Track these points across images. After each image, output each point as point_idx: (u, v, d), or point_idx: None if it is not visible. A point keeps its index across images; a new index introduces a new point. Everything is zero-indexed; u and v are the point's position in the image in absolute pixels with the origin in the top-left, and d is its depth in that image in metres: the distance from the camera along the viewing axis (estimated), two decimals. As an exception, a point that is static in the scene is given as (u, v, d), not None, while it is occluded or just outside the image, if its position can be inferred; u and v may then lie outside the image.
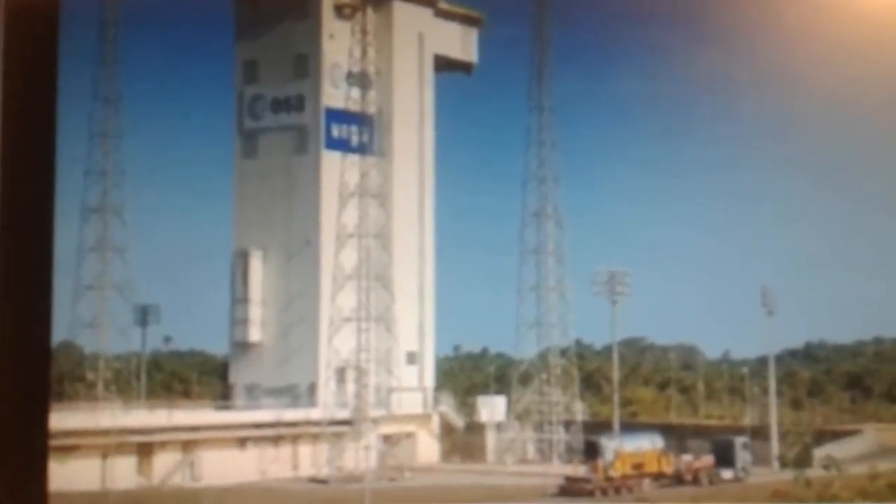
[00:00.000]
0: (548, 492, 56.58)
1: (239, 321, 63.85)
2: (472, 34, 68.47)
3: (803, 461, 61.90)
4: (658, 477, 59.70)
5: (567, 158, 64.90)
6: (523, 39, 63.94)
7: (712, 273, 64.98)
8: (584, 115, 66.24)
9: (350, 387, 61.92)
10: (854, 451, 62.35)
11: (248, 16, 64.75)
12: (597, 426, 64.18)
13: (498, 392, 66.84)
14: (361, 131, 63.30)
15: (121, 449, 56.38)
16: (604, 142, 65.42)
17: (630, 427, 64.23)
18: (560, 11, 63.56)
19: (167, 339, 64.26)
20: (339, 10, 63.97)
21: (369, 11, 63.71)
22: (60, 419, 49.99)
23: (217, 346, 66.50)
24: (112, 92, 60.50)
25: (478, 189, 66.30)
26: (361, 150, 63.09)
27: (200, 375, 67.01)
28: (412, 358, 65.10)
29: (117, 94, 60.63)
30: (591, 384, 67.90)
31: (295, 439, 60.85)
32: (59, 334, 52.64)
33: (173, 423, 58.49)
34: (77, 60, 54.58)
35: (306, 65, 64.19)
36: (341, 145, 63.40)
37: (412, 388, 64.63)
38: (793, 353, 70.42)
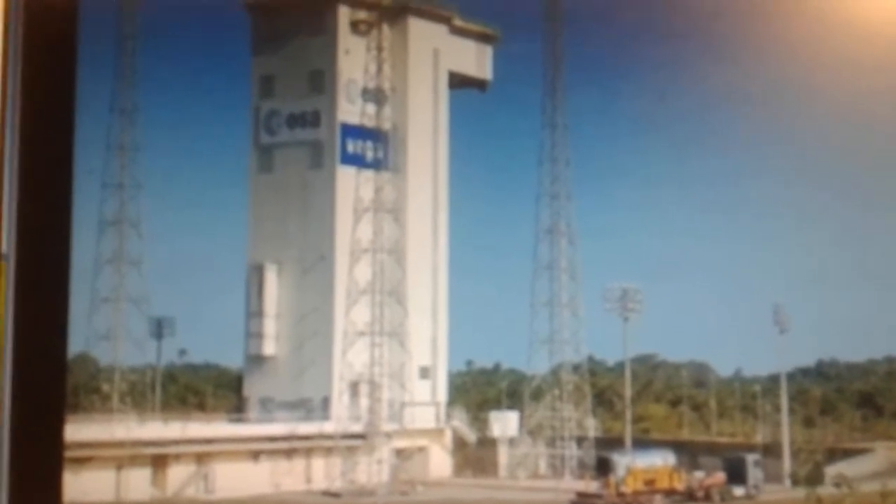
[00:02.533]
0: (559, 507, 56.81)
1: (254, 335, 64.07)
2: (487, 51, 68.66)
3: (815, 479, 61.92)
4: (669, 493, 59.74)
5: (580, 175, 65.15)
6: (537, 56, 64.28)
7: (725, 290, 65.01)
8: (598, 131, 66.42)
9: (363, 401, 62.12)
10: (865, 469, 62.33)
11: (264, 31, 65.11)
12: (609, 442, 64.26)
13: (510, 407, 66.89)
14: (376, 147, 63.62)
15: (135, 461, 56.63)
16: (617, 159, 65.57)
17: (642, 443, 64.25)
18: (573, 28, 63.88)
19: (182, 352, 64.41)
20: (354, 27, 64.30)
21: (385, 28, 64.09)
22: (75, 431, 50.28)
23: (232, 360, 66.66)
24: (129, 104, 60.87)
25: (491, 205, 66.43)
26: (376, 165, 63.42)
27: (215, 388, 67.08)
28: (425, 373, 65.27)
29: (134, 107, 60.99)
30: (604, 400, 67.93)
31: (308, 452, 61.03)
32: (75, 346, 52.95)
33: (187, 436, 58.73)
34: (95, 73, 55.01)
35: (322, 80, 64.51)
36: (356, 161, 63.69)
37: (425, 403, 64.78)
38: (805, 372, 70.32)
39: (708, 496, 60.21)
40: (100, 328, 59.71)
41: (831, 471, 62.23)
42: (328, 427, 61.44)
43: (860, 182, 63.43)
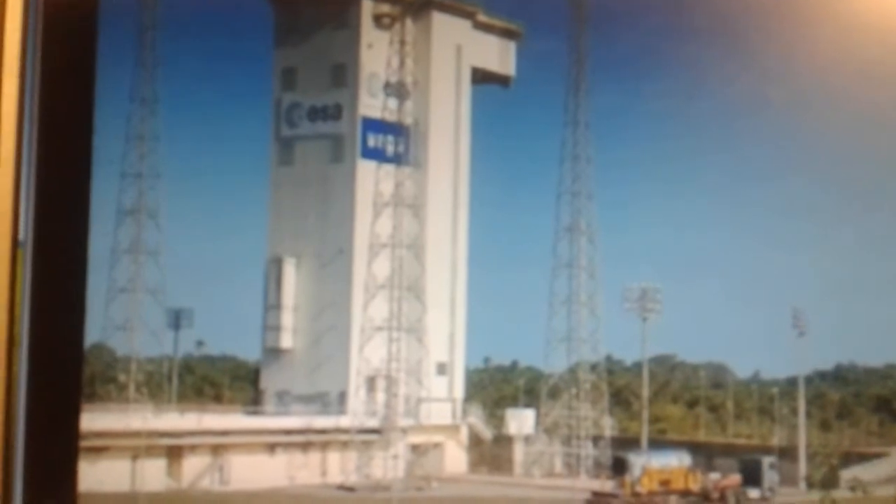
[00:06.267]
0: (574, 506, 56.81)
1: (271, 327, 64.06)
2: (511, 47, 68.48)
3: (830, 482, 61.91)
4: (685, 494, 59.73)
5: (601, 174, 65.03)
6: (560, 53, 64.13)
7: (744, 292, 64.83)
8: (620, 130, 66.22)
9: (380, 396, 62.07)
10: (881, 473, 62.35)
11: (287, 23, 65.06)
12: (625, 442, 64.19)
13: (527, 405, 66.83)
14: (397, 141, 63.54)
15: (151, 451, 56.71)
16: (638, 158, 65.35)
17: (658, 444, 64.25)
18: (598, 27, 63.73)
19: (199, 344, 64.29)
20: (377, 20, 64.23)
21: (408, 22, 64.02)
22: (91, 420, 50.20)
23: (249, 352, 66.62)
24: (149, 94, 60.81)
25: (511, 202, 66.31)
26: (397, 160, 63.35)
27: (232, 380, 67.02)
28: (442, 369, 65.18)
29: (154, 97, 60.94)
30: (621, 400, 67.81)
31: (324, 446, 61.02)
32: (92, 336, 52.90)
33: (203, 427, 58.84)
34: (115, 62, 54.98)
35: (344, 74, 64.45)
36: (377, 155, 63.63)
37: (441, 399, 64.71)
38: (822, 375, 70.14)
39: (723, 498, 60.20)
40: (117, 318, 59.71)
41: (846, 475, 62.21)
42: (344, 421, 61.41)
43: (883, 186, 63.25)
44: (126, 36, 58.62)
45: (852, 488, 60.76)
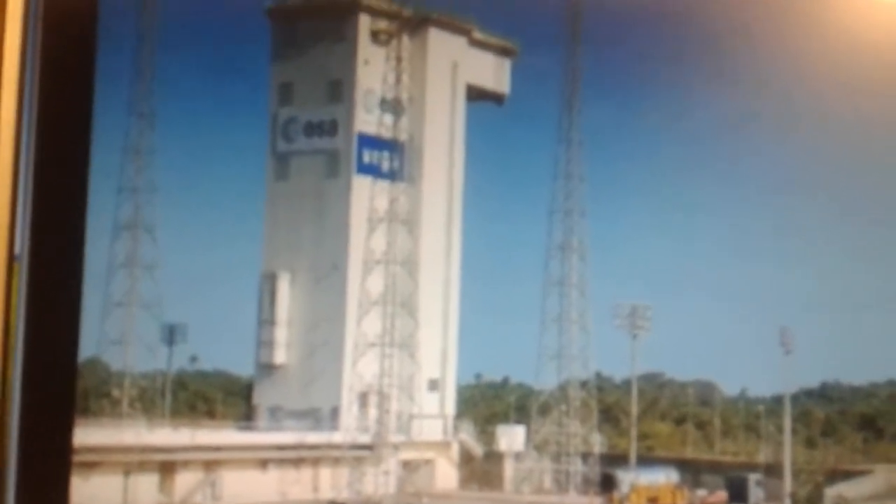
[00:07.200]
0: (565, 523, 57.02)
1: (265, 343, 63.93)
2: (506, 65, 68.65)
3: (815, 500, 62.41)
4: (672, 511, 60.09)
5: (593, 192, 65.28)
6: (554, 72, 64.34)
7: (732, 311, 65.20)
8: (612, 149, 66.52)
9: (372, 412, 62.06)
10: (865, 490, 62.80)
11: (284, 38, 64.99)
12: (614, 459, 64.45)
13: (517, 422, 66.99)
14: (392, 157, 63.56)
15: (143, 466, 56.49)
16: (629, 176, 65.68)
17: (646, 461, 64.59)
18: (592, 46, 63.96)
19: (193, 359, 64.01)
20: (374, 36, 64.25)
21: (405, 38, 64.07)
22: (85, 435, 49.85)
23: (242, 367, 66.41)
24: (147, 108, 60.61)
25: (504, 219, 66.46)
26: (391, 176, 63.37)
27: (225, 396, 66.78)
28: (434, 385, 65.24)
29: (152, 111, 60.74)
30: (610, 417, 68.05)
31: (316, 462, 60.95)
32: (86, 350, 52.56)
33: (196, 443, 58.66)
34: (113, 76, 54.57)
35: (340, 90, 64.44)
36: (372, 171, 63.63)
37: (433, 415, 64.77)
38: (808, 393, 70.62)
39: (709, 514, 60.57)
40: (111, 333, 59.45)
41: (831, 492, 62.70)
42: (336, 437, 61.35)
43: (870, 208, 63.74)
44: (125, 51, 58.50)
45: (836, 505, 61.29)
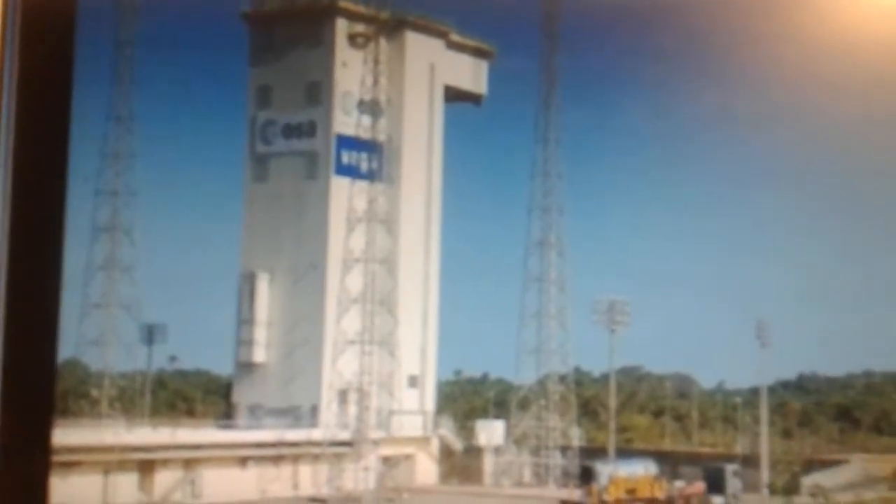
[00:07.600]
0: (543, 515, 57.61)
1: (244, 342, 64.47)
2: (483, 66, 69.01)
3: (792, 489, 62.95)
4: (651, 502, 60.53)
5: (570, 189, 65.66)
6: (531, 72, 64.61)
7: (709, 305, 65.84)
8: (589, 147, 66.90)
9: (352, 408, 62.58)
10: (841, 480, 63.28)
11: (262, 42, 65.27)
12: (593, 452, 65.06)
13: (497, 417, 67.66)
14: (371, 158, 63.87)
15: (123, 466, 56.90)
16: (606, 174, 66.20)
17: (625, 453, 65.11)
18: (568, 46, 64.21)
19: (172, 359, 64.71)
20: (352, 39, 64.48)
21: (382, 41, 64.24)
22: (64, 435, 50.59)
23: (222, 367, 67.08)
24: (125, 112, 61.01)
25: (483, 217, 67.03)
26: (370, 176, 63.71)
27: (205, 395, 67.44)
28: (414, 381, 65.81)
29: (130, 115, 61.13)
30: (589, 411, 68.70)
31: (296, 459, 61.52)
32: (65, 351, 53.29)
33: (176, 441, 59.07)
34: (91, 81, 55.10)
35: (319, 92, 64.77)
36: (351, 172, 63.98)
37: (413, 411, 65.34)
38: (785, 385, 71.28)
39: (688, 504, 61.01)
40: (90, 334, 60.13)
41: (808, 481, 63.18)
42: (316, 434, 61.93)
43: (844, 203, 64.15)
44: (104, 55, 58.82)
45: (813, 495, 61.74)
